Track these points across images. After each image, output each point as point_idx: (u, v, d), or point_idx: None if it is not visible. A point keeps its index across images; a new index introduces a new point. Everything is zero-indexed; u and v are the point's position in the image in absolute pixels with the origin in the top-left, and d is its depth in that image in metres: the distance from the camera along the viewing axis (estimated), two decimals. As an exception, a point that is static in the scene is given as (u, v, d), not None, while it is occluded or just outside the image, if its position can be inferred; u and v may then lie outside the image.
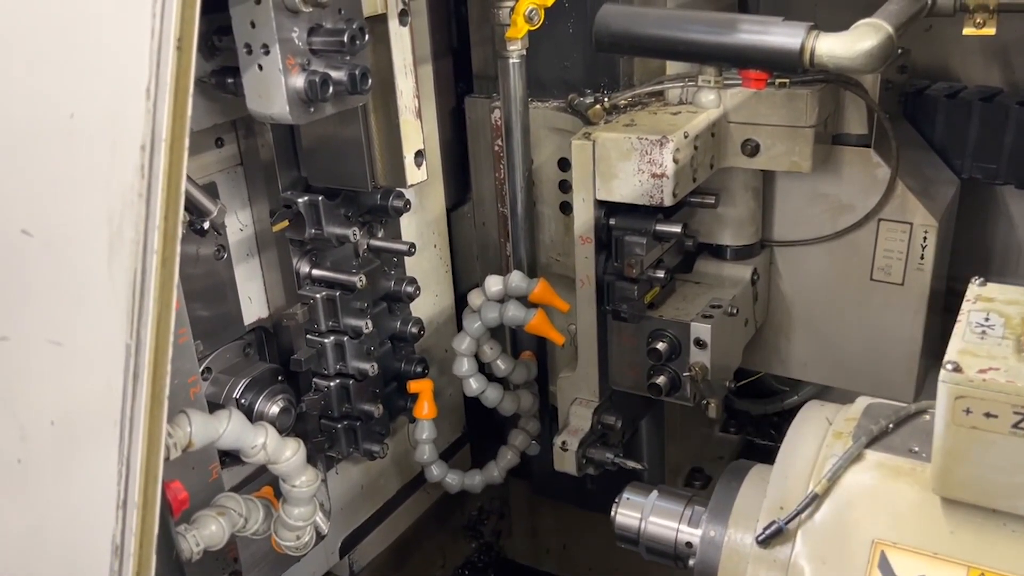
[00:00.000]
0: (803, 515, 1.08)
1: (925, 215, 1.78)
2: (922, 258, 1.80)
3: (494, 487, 2.13)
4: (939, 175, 1.90)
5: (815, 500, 1.08)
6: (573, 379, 1.89)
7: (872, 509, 1.06)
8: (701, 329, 1.73)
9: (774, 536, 1.09)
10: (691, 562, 1.22)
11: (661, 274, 1.74)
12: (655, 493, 1.31)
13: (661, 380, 1.78)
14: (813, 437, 1.16)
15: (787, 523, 1.08)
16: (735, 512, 1.18)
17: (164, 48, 0.85)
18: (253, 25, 1.26)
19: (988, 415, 0.94)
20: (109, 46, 0.86)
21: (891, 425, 1.12)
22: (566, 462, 1.88)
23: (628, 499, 1.33)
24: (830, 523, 1.07)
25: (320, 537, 1.51)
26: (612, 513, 1.33)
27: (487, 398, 1.93)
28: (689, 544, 1.24)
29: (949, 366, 0.95)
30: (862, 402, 1.19)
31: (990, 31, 1.54)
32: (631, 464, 1.91)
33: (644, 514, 1.30)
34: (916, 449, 1.09)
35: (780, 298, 1.99)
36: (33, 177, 0.89)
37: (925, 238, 1.79)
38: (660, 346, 1.76)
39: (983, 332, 1.00)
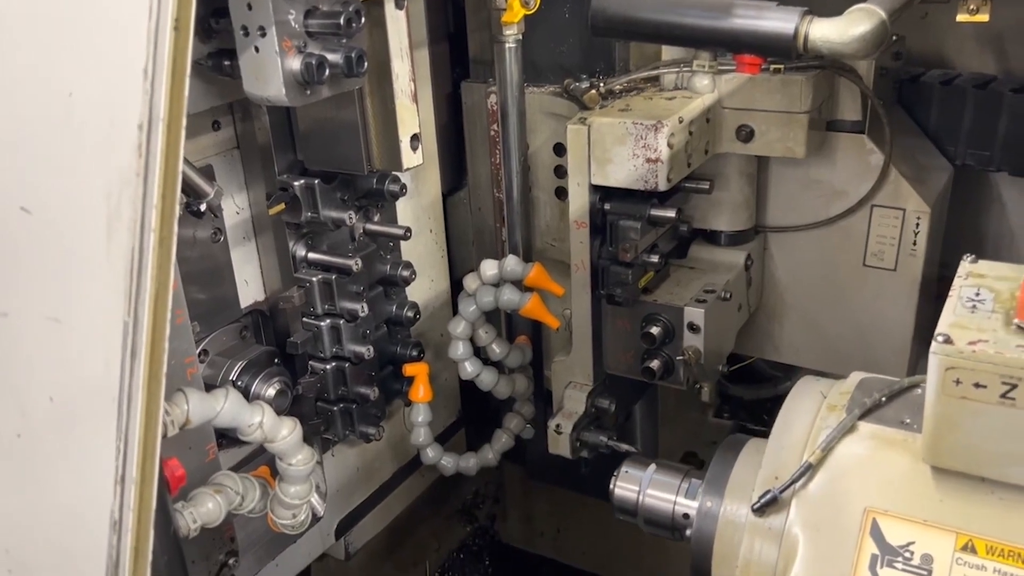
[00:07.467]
0: (797, 484, 1.10)
1: (918, 201, 1.79)
2: (915, 244, 1.82)
3: (489, 471, 2.14)
4: (932, 162, 1.91)
5: (809, 470, 1.10)
6: (567, 363, 1.90)
7: (864, 478, 1.08)
8: (695, 314, 1.74)
9: (769, 504, 1.11)
10: (688, 532, 1.24)
11: (655, 259, 1.75)
12: (652, 466, 1.33)
13: (655, 364, 1.79)
14: (808, 410, 1.18)
15: (782, 492, 1.10)
16: (731, 484, 1.20)
17: (162, 28, 0.86)
18: (250, 7, 1.26)
19: (977, 385, 0.95)
20: (108, 26, 0.87)
21: (884, 398, 1.14)
22: (560, 445, 1.89)
23: (626, 472, 1.34)
24: (824, 492, 1.09)
25: (316, 519, 1.52)
26: (611, 486, 1.34)
27: (482, 381, 1.94)
28: (686, 516, 1.26)
29: (940, 338, 0.97)
30: (855, 377, 1.21)
31: (983, 18, 1.54)
32: (625, 447, 1.92)
33: (642, 487, 1.31)
34: (908, 421, 1.10)
35: (773, 283, 2.01)
36: (32, 155, 0.90)
37: (918, 224, 1.80)
38: (654, 330, 1.77)
39: (973, 306, 1.01)
